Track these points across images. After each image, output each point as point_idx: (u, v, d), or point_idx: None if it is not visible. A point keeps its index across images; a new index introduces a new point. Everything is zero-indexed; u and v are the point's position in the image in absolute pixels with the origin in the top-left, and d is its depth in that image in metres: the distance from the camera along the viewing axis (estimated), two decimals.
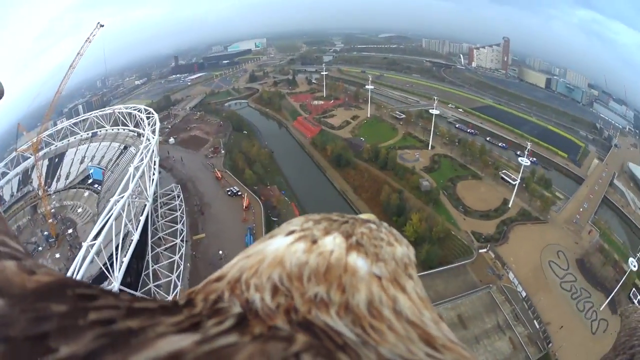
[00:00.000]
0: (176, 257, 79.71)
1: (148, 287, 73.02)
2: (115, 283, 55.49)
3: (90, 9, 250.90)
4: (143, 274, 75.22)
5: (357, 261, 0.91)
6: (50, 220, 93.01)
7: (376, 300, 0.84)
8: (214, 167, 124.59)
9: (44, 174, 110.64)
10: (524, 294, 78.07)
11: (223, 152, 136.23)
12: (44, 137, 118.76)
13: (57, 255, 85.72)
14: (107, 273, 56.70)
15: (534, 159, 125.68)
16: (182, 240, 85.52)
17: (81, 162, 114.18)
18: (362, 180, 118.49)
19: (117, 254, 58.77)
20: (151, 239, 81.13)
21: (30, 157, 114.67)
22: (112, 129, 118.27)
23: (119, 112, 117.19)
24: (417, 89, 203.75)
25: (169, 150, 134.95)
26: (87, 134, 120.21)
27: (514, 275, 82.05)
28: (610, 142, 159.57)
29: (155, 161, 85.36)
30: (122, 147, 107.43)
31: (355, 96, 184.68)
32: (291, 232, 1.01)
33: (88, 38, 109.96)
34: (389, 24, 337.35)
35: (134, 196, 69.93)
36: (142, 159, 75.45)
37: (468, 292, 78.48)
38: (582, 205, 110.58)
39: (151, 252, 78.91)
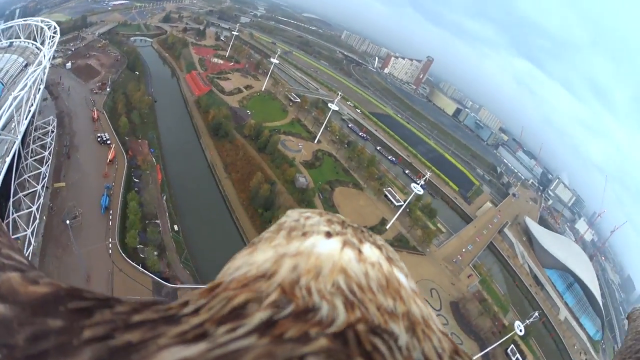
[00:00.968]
0: (34, 208, 73.61)
1: None
2: None
3: None
4: (4, 222, 68.09)
5: (401, 277, 0.97)
6: None
7: (424, 313, 0.88)
8: (94, 105, 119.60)
9: None
10: None
11: (109, 89, 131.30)
12: None
13: None
14: None
15: (423, 182, 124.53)
16: (43, 187, 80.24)
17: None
18: (236, 158, 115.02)
19: None
20: (16, 180, 75.06)
21: None
22: (25, 42, 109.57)
23: (34, 24, 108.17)
24: (321, 77, 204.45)
25: (62, 76, 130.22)
26: (6, 43, 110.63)
27: None
28: (508, 189, 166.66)
29: (38, 90, 79.62)
30: (24, 64, 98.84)
31: (257, 65, 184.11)
32: (328, 234, 1.02)
33: None
34: (316, 5, 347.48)
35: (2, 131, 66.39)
36: (23, 88, 68.73)
37: None
38: (466, 246, 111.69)
39: (13, 197, 73.25)
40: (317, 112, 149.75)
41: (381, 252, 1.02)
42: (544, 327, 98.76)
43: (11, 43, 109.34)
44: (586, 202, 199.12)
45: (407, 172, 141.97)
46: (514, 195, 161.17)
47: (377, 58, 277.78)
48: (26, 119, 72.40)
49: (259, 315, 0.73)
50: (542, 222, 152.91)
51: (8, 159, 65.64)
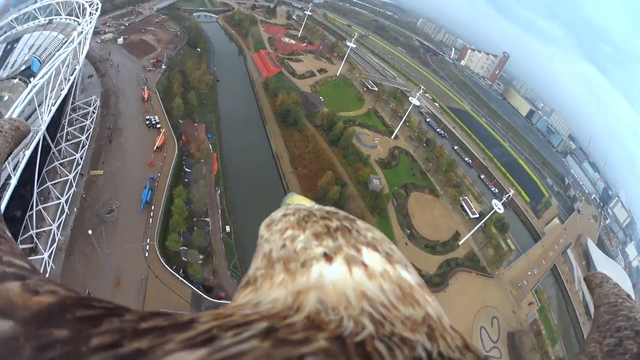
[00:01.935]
0: (62, 200, 63.84)
1: (29, 233, 57.59)
2: None
3: None
4: (28, 214, 59.84)
5: (406, 275, 0.93)
6: None
7: (435, 309, 0.86)
8: (145, 83, 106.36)
9: None
10: None
11: (164, 67, 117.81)
12: (10, 20, 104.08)
13: None
14: None
15: (496, 189, 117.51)
16: (75, 176, 70.04)
17: (29, 51, 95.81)
18: (304, 150, 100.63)
19: None
20: (45, 167, 66.73)
21: None
22: (65, 19, 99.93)
23: (75, 0, 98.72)
24: (398, 64, 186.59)
25: (111, 52, 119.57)
26: (45, 20, 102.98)
27: None
28: (574, 203, 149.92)
29: (73, 70, 71.17)
30: (63, 41, 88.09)
31: (331, 48, 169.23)
32: (327, 256, 0.95)
33: None
34: None
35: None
36: (51, 73, 59.89)
37: None
38: (532, 269, 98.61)
39: (39, 187, 63.33)
40: (395, 103, 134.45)
41: (380, 255, 0.96)
42: None
43: (50, 20, 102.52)
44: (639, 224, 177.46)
45: (482, 177, 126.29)
46: (578, 211, 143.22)
47: (453, 49, 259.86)
48: (54, 105, 62.44)
49: (264, 323, 0.71)
50: (600, 243, 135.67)
51: (28, 152, 54.98)
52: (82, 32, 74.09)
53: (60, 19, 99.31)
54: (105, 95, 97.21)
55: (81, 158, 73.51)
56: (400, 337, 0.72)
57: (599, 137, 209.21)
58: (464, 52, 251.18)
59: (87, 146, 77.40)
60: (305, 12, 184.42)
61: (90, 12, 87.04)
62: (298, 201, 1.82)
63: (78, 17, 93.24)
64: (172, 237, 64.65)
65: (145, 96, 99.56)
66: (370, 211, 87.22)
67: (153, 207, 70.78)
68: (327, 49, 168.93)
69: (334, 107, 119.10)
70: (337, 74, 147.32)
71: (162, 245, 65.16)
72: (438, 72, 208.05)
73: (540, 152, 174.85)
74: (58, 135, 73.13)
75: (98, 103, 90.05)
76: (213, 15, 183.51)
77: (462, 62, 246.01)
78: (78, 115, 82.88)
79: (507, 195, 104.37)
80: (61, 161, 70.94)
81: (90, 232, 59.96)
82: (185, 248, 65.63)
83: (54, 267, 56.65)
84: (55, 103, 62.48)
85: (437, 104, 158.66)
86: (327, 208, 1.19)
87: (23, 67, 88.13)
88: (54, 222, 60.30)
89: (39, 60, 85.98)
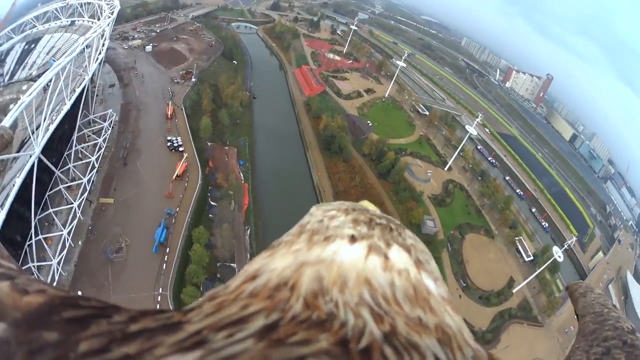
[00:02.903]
0: (64, 232, 55.83)
1: (28, 265, 50.70)
2: None
3: None
4: (27, 243, 52.87)
5: (429, 283, 0.86)
6: None
7: (457, 323, 0.78)
8: (171, 97, 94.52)
9: (15, 59, 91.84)
10: None
11: (194, 80, 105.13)
12: (30, 18, 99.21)
13: None
14: None
15: (546, 223, 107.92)
16: (81, 204, 61.06)
17: (47, 53, 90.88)
18: (350, 184, 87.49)
19: None
20: (49, 189, 60.05)
21: (13, 38, 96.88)
22: (88, 21, 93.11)
23: (97, 2, 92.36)
24: (446, 85, 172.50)
25: (137, 60, 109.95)
26: (67, 22, 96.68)
27: None
28: (614, 232, 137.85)
29: (81, 82, 63.75)
30: (84, 46, 76.93)
31: (379, 67, 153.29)
32: (353, 238, 0.90)
33: None
34: (433, 8, 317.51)
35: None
36: (62, 86, 56.25)
37: None
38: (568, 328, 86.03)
39: (38, 214, 55.78)
40: (448, 130, 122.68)
41: (410, 256, 0.91)
42: None
43: (73, 22, 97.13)
44: None
45: (533, 210, 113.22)
46: (619, 241, 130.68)
47: (498, 70, 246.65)
48: (52, 123, 55.03)
49: (261, 321, 0.65)
50: (636, 273, 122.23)
51: (18, 181, 47.69)
52: (89, 37, 66.21)
53: (83, 21, 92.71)
54: (125, 109, 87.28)
55: (89, 182, 63.91)
56: (408, 340, 0.66)
57: (635, 159, 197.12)
58: (509, 74, 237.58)
59: (96, 169, 67.68)
60: (351, 26, 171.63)
61: (107, 15, 78.90)
62: (366, 205, 1.52)
63: (99, 20, 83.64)
64: (187, 290, 54.48)
65: (170, 112, 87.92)
66: None
67: (168, 249, 59.36)
68: (374, 68, 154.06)
69: (384, 133, 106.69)
70: (386, 95, 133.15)
71: (177, 297, 54.94)
72: (485, 94, 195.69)
73: (585, 180, 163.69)
74: (66, 153, 64.94)
75: (115, 118, 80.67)
76: (253, 26, 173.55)
77: (507, 84, 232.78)
78: (91, 132, 73.97)
79: (568, 243, 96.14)
80: (67, 184, 62.27)
81: (109, 255, 56.76)
82: None
83: None
84: (54, 121, 54.73)
85: (487, 130, 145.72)
86: (387, 215, 1.10)
87: (42, 70, 76.99)
88: (55, 255, 53.30)
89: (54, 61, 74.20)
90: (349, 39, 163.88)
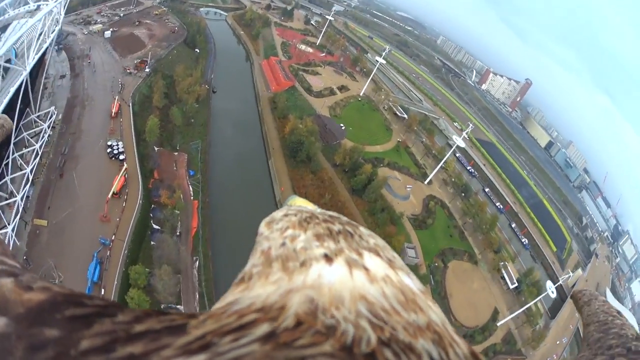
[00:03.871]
0: None
1: None
2: None
3: None
4: None
5: (408, 281, 0.84)
6: None
7: (439, 316, 0.77)
8: (120, 91, 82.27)
9: None
10: None
11: (147, 70, 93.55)
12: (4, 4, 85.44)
13: None
14: None
15: (525, 240, 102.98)
16: (14, 228, 52.10)
17: (13, 40, 77.72)
18: (319, 201, 71.50)
19: None
20: None
21: None
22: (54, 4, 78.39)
23: None
24: (423, 85, 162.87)
25: (92, 47, 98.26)
26: (34, 6, 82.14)
27: None
28: (591, 245, 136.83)
29: (20, 78, 57.19)
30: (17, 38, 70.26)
31: (354, 61, 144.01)
32: (328, 257, 0.86)
33: None
34: (409, 4, 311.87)
35: None
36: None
37: None
38: (561, 338, 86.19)
39: None
40: (427, 136, 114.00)
41: (382, 260, 0.88)
42: None
43: (38, 6, 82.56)
44: None
45: (513, 225, 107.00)
46: (596, 255, 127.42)
47: (474, 71, 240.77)
48: None
49: (265, 326, 0.63)
50: (613, 287, 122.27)
51: None
52: (27, 26, 61.80)
53: (47, 4, 78.92)
54: (70, 104, 75.37)
55: (23, 199, 55.03)
56: (405, 343, 0.64)
57: (611, 169, 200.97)
58: (485, 76, 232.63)
59: (30, 181, 58.16)
60: (327, 17, 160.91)
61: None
62: (300, 203, 1.73)
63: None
64: None
65: (114, 110, 75.14)
66: None
67: (103, 290, 49.43)
68: (349, 63, 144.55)
69: (358, 138, 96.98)
70: (362, 94, 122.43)
71: None
72: (462, 96, 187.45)
73: (561, 190, 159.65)
74: (3, 164, 57.10)
75: (57, 117, 69.83)
76: (223, 12, 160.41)
77: (484, 86, 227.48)
78: (30, 135, 64.30)
79: (564, 278, 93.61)
80: (4, 202, 54.86)
81: None
82: None
83: None
84: None
85: (466, 136, 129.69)
86: (330, 212, 1.10)
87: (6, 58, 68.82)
88: None
89: (16, 52, 69.76)
90: (324, 30, 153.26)
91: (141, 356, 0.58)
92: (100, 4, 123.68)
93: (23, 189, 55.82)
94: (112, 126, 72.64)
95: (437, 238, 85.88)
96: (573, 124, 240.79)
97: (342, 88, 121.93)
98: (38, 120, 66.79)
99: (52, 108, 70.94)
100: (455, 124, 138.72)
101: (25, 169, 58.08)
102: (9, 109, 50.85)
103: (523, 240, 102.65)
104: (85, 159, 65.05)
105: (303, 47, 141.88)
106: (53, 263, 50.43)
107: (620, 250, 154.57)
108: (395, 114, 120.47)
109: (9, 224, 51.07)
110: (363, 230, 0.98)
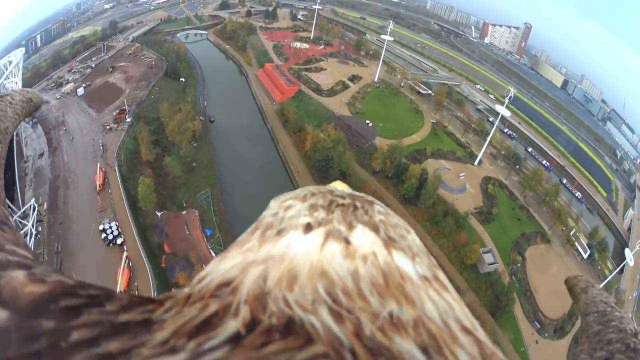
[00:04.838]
0: None
1: None
2: None
3: None
4: None
5: (404, 263, 0.72)
6: None
7: (442, 310, 0.65)
8: (103, 154, 70.71)
9: None
10: None
11: (129, 120, 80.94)
12: None
13: None
14: None
15: (579, 193, 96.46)
16: None
17: None
18: None
19: None
20: None
21: None
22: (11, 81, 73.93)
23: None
24: (431, 53, 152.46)
25: (66, 112, 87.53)
26: None
27: None
28: (630, 177, 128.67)
29: None
30: None
31: (356, 46, 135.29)
32: (308, 227, 0.78)
33: None
34: None
35: None
36: None
37: None
38: (632, 293, 78.77)
39: None
40: (459, 108, 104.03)
41: (377, 235, 0.77)
42: None
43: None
44: None
45: (564, 181, 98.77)
46: (638, 188, 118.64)
47: (473, 27, 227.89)
48: None
49: (230, 327, 0.57)
50: None
51: None
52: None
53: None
54: (53, 187, 65.18)
55: None
56: (376, 344, 0.54)
57: (627, 95, 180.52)
58: (485, 29, 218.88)
59: None
60: (314, 6, 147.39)
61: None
62: (338, 187, 1.35)
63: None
64: None
65: (99, 182, 63.28)
66: (492, 313, 58.02)
67: None
68: (351, 49, 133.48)
69: (391, 132, 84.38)
70: (376, 79, 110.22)
71: None
72: (471, 55, 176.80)
73: (590, 128, 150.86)
74: None
75: (37, 211, 57.00)
76: (203, 32, 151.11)
77: (486, 40, 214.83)
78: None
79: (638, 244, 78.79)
80: None
81: None
82: None
83: None
84: None
85: (491, 96, 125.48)
86: (358, 193, 0.98)
87: None
88: None
89: None
90: (314, 21, 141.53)
91: (121, 354, 0.56)
92: (70, 62, 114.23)
93: None
94: (101, 203, 61.37)
95: (507, 228, 77.16)
96: (577, 57, 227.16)
97: (353, 78, 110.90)
98: (22, 221, 53.65)
99: (33, 201, 58.66)
100: (478, 85, 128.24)
101: None
102: None
103: (577, 194, 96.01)
104: (81, 254, 54.68)
105: (297, 44, 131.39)
106: None
107: None
108: (419, 92, 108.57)
109: None
110: (377, 206, 0.88)
